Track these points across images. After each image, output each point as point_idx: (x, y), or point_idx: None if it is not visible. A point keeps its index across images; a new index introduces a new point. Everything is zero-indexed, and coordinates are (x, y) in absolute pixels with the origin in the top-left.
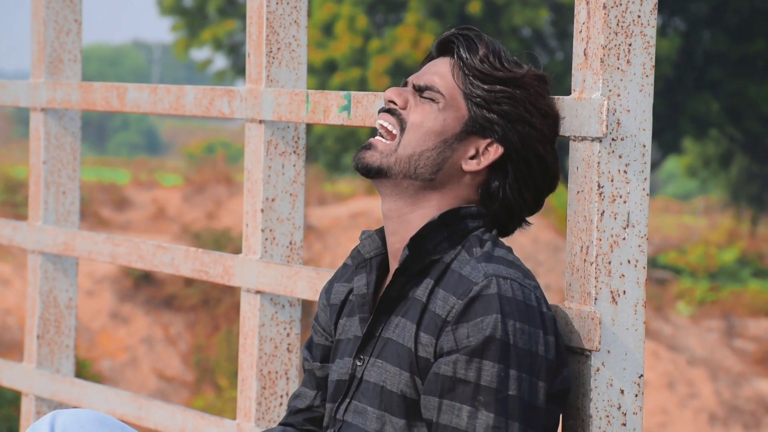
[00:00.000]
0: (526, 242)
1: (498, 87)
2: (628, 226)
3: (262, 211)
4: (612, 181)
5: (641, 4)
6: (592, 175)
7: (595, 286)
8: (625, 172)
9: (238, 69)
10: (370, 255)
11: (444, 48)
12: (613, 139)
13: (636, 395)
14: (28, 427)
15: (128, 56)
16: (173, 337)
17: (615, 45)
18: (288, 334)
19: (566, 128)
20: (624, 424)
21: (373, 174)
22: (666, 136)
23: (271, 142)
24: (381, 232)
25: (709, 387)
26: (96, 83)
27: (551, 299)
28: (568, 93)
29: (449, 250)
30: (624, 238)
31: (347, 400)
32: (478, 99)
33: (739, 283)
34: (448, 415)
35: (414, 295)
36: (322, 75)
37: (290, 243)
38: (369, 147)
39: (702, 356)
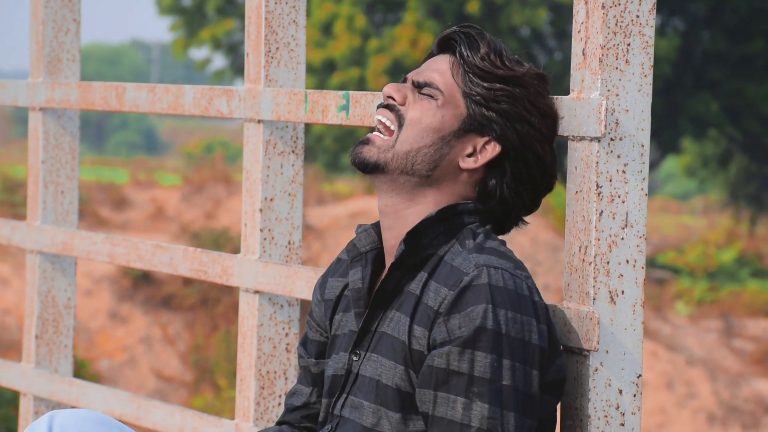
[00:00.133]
0: (525, 242)
1: (497, 85)
2: (626, 226)
3: (261, 210)
4: (610, 181)
5: (640, 4)
6: (591, 175)
7: (594, 286)
8: (624, 172)
9: (237, 68)
10: (366, 249)
11: (445, 45)
12: (611, 139)
13: (634, 395)
14: (27, 427)
15: (127, 56)
16: (172, 336)
17: (614, 45)
18: (287, 334)
19: (565, 128)
20: (622, 424)
21: (370, 169)
22: (665, 135)
23: (270, 142)
24: (377, 226)
25: (708, 387)
26: (95, 83)
27: (550, 299)
28: (567, 93)
29: (444, 245)
30: (622, 238)
31: (344, 395)
32: (477, 97)
33: (737, 283)
34: (443, 407)
35: (408, 289)
36: (321, 74)
37: (289, 243)
38: (366, 142)
39: (700, 356)
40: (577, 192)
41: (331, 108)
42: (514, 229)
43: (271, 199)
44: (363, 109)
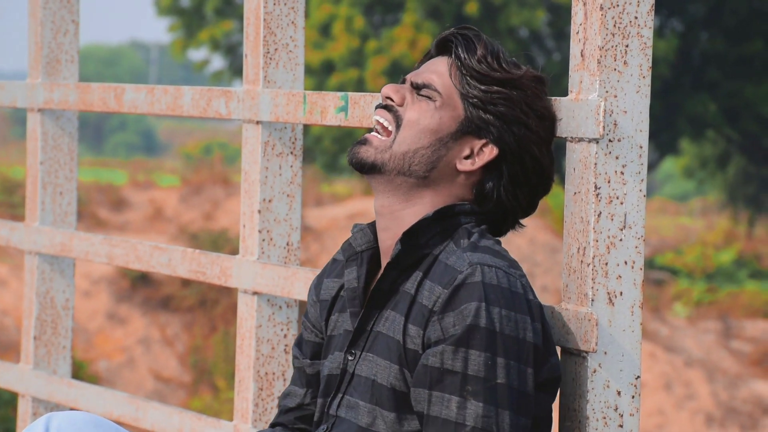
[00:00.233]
0: (523, 243)
1: (495, 88)
2: (624, 227)
3: (260, 212)
4: (609, 182)
5: (638, 5)
6: (589, 176)
7: (592, 288)
8: (622, 173)
9: (236, 69)
10: (362, 248)
11: (443, 47)
12: (609, 141)
13: (633, 397)
14: (24, 428)
15: (125, 57)
16: (170, 338)
17: (612, 46)
18: (285, 336)
19: (563, 129)
20: (621, 426)
21: (367, 169)
22: (663, 137)
23: (269, 143)
24: (373, 226)
25: (706, 388)
26: (93, 84)
27: (548, 301)
28: (565, 94)
29: (439, 244)
30: (621, 240)
31: (339, 395)
32: (474, 99)
33: (736, 284)
34: (437, 406)
35: (404, 288)
36: (320, 76)
37: (287, 244)
38: (364, 142)
39: (699, 357)
40: (575, 193)
41: (330, 109)
42: (510, 232)
43: (270, 200)
44: (362, 110)
